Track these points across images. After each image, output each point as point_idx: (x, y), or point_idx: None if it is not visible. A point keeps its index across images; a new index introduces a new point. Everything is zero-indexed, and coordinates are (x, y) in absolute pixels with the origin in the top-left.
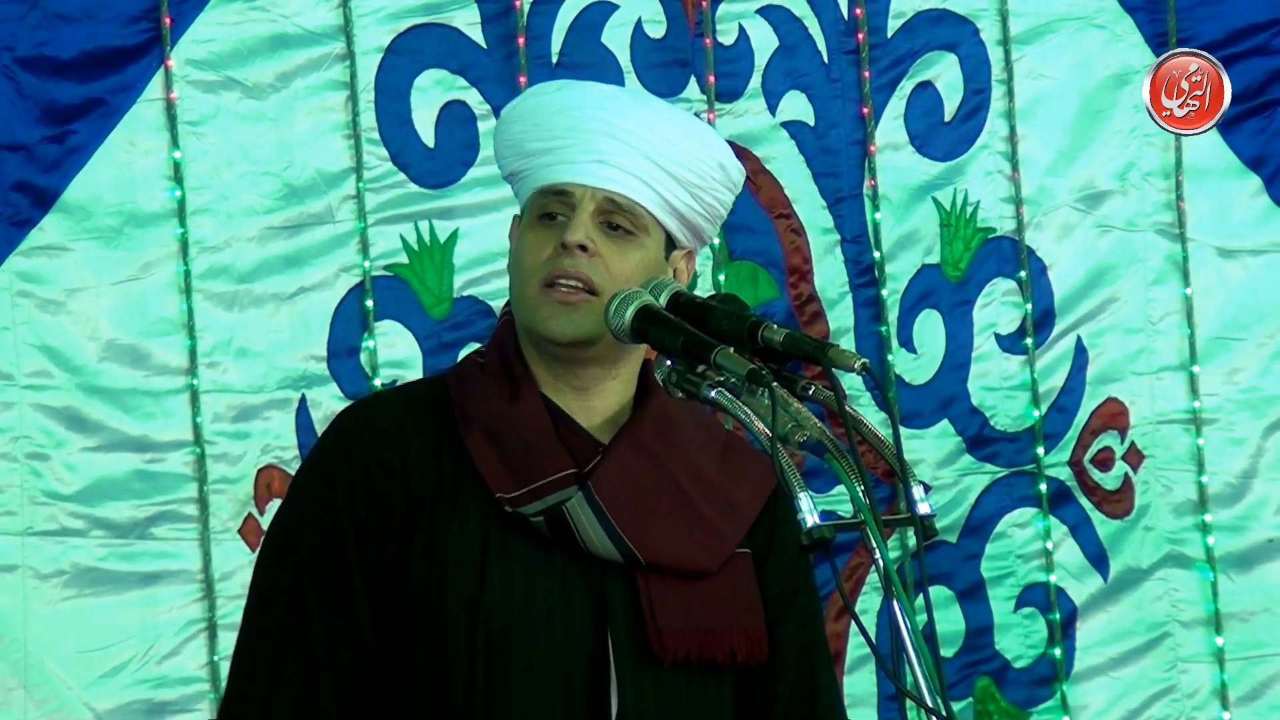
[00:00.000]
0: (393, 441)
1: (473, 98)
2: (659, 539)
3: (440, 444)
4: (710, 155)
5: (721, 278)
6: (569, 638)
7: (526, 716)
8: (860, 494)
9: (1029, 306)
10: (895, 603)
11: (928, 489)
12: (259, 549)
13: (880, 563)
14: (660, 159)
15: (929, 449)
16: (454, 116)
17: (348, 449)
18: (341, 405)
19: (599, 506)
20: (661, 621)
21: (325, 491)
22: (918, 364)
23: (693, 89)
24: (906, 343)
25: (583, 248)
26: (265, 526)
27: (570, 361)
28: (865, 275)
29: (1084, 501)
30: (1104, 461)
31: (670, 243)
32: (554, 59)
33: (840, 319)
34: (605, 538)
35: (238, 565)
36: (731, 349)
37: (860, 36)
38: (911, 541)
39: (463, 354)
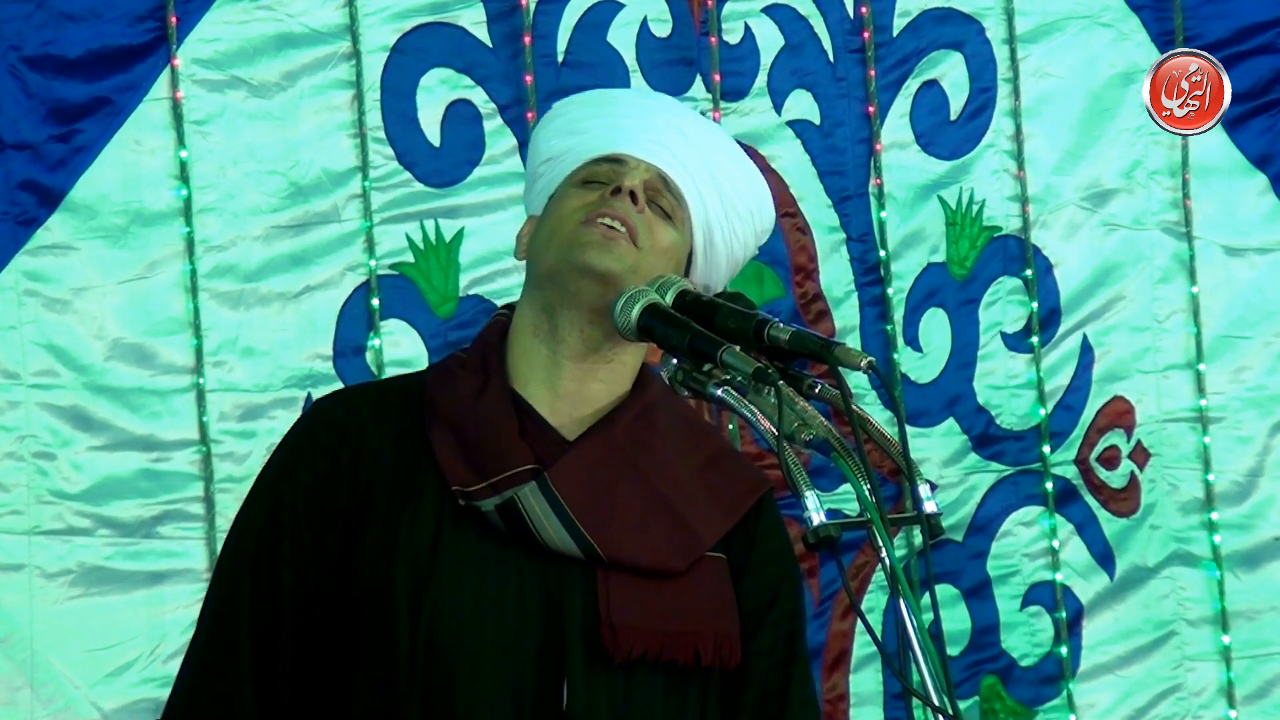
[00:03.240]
0: (347, 436)
1: (478, 96)
2: (621, 533)
3: (402, 437)
4: (756, 192)
5: None
6: (520, 634)
7: (472, 711)
8: (866, 492)
9: (1035, 305)
10: (901, 601)
11: (934, 487)
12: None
13: (886, 561)
14: (715, 172)
15: (935, 447)
16: (460, 115)
17: (301, 442)
18: None
19: (554, 498)
20: (616, 619)
21: (275, 482)
22: (923, 362)
23: (698, 88)
24: (912, 341)
25: (634, 197)
26: None
27: (580, 322)
28: (871, 274)
29: (1090, 500)
30: (1110, 460)
31: (690, 262)
32: (559, 58)
33: (846, 317)
34: (562, 530)
35: None
36: (738, 347)
37: (866, 35)
38: (918, 540)
39: None
